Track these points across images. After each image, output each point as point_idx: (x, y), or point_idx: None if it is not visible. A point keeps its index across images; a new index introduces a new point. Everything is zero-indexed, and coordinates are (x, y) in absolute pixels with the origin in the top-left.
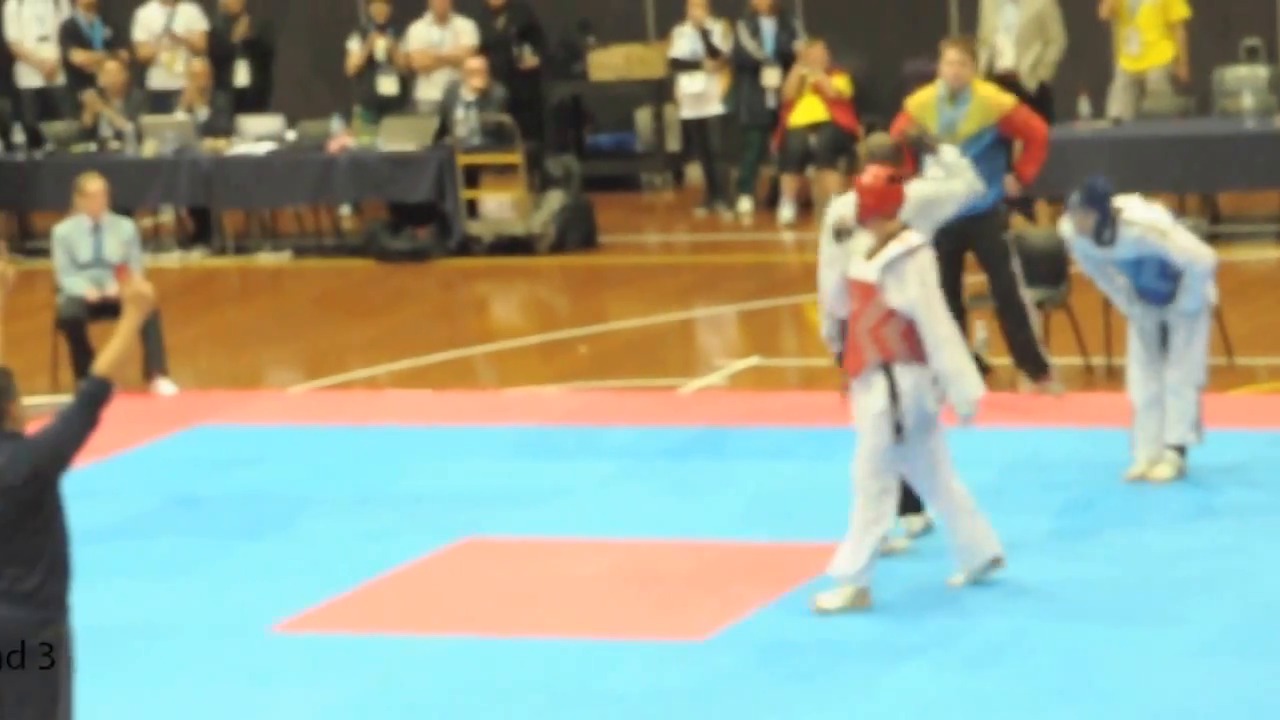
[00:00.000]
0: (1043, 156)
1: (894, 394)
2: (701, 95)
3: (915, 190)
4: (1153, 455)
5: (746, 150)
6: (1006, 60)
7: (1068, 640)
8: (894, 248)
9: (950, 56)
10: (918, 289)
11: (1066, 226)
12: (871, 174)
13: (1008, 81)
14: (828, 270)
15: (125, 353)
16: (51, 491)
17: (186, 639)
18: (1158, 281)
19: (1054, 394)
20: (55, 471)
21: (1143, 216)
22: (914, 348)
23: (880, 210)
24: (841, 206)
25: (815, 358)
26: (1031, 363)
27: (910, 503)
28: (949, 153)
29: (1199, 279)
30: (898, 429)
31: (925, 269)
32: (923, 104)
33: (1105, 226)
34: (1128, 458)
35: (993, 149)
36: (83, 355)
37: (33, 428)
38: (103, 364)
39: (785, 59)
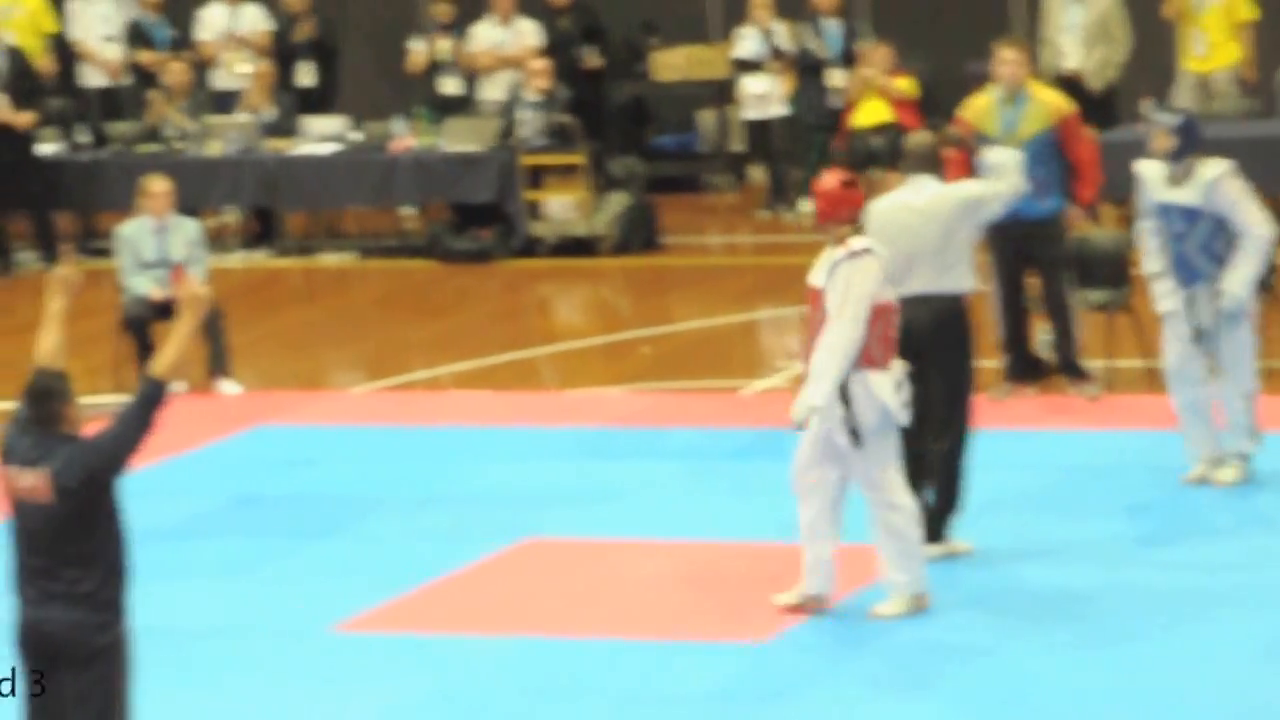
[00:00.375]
0: (1097, 176)
1: (846, 400)
2: (765, 96)
3: (960, 190)
4: (1208, 457)
5: (810, 152)
6: (1071, 62)
7: (1126, 646)
8: (838, 252)
9: (1006, 56)
10: (841, 289)
11: (1144, 163)
12: (827, 179)
13: (1072, 83)
14: None
15: (182, 355)
16: (108, 494)
17: (248, 639)
18: (1200, 255)
19: (1088, 397)
20: (112, 474)
21: (1228, 166)
22: (863, 353)
23: (834, 215)
24: (877, 210)
25: None
26: (1072, 370)
27: (932, 531)
28: (996, 153)
29: (1252, 251)
30: (854, 434)
31: (857, 273)
32: (980, 109)
33: (1183, 156)
34: (1187, 461)
35: (1053, 152)
36: (147, 355)
37: (91, 429)
38: (159, 366)
39: (849, 60)
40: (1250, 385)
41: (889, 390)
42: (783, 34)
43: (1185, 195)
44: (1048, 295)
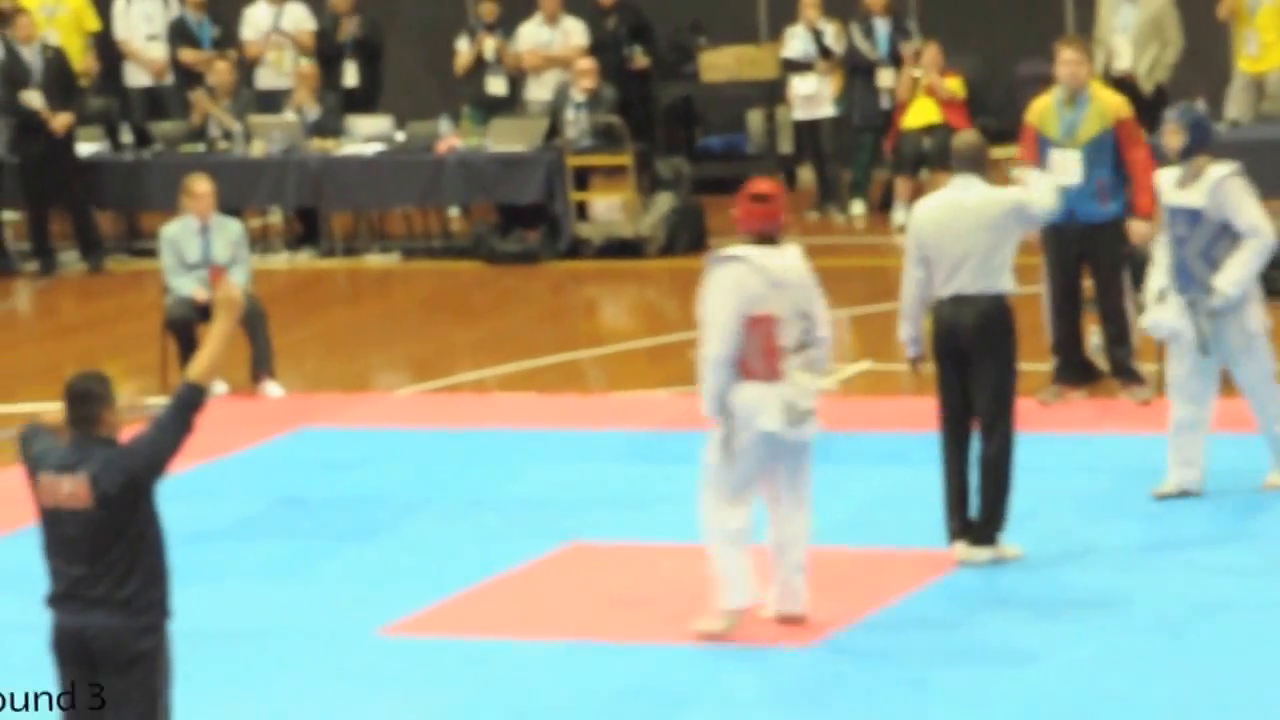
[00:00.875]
0: (1151, 182)
1: (725, 411)
2: (814, 97)
3: (1008, 196)
4: (1182, 479)
5: (859, 153)
6: (1123, 62)
7: (1176, 651)
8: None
9: (1066, 56)
10: (704, 307)
11: (1161, 172)
12: (745, 189)
13: (1124, 84)
14: (915, 271)
15: (218, 358)
16: (147, 498)
17: (292, 642)
18: (1199, 260)
19: (1139, 400)
20: (151, 479)
21: (1234, 167)
22: (741, 364)
23: (745, 226)
24: (925, 209)
25: (928, 362)
26: (1125, 374)
27: (982, 535)
28: (1047, 169)
29: (1249, 253)
30: (727, 444)
31: (710, 288)
32: (1041, 111)
33: (1192, 153)
34: (1246, 464)
35: (1113, 154)
36: (191, 356)
37: (128, 433)
38: (196, 370)
39: (899, 60)
40: (1277, 420)
41: (761, 404)
42: (832, 34)
43: (1190, 197)
44: (1104, 298)
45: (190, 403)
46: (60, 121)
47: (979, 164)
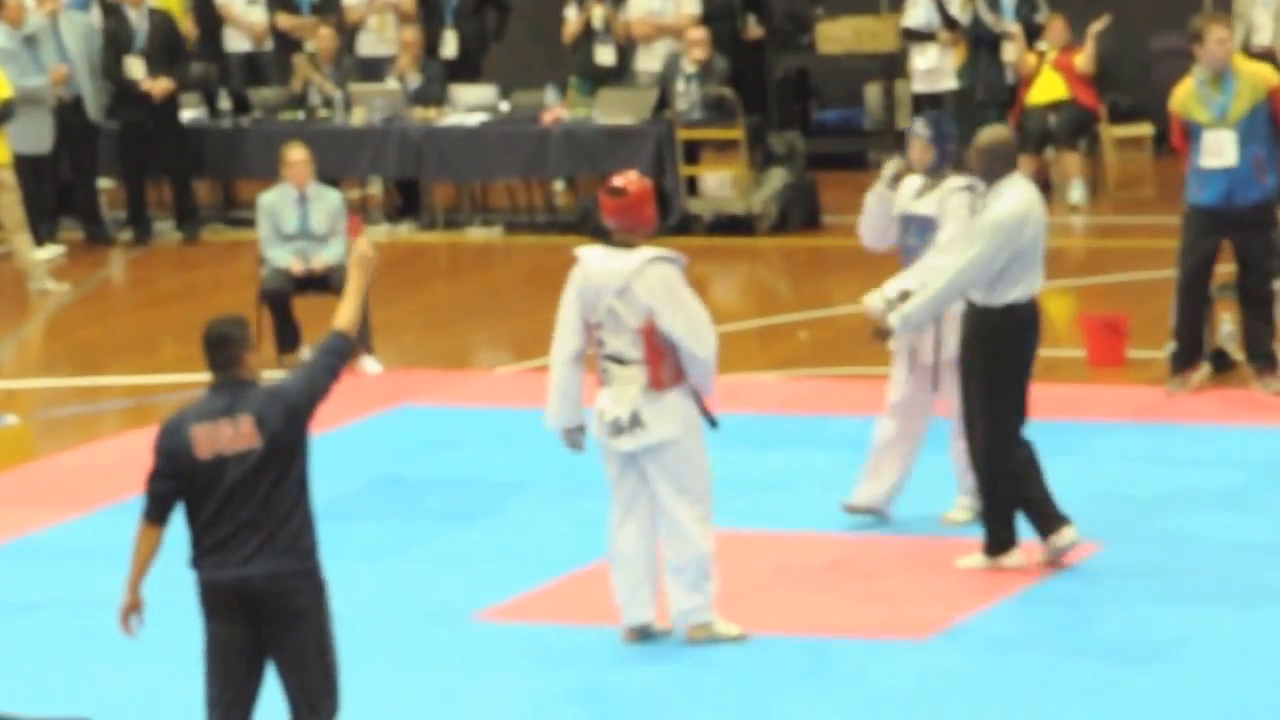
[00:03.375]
0: None
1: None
2: (935, 70)
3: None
4: (871, 495)
5: (981, 129)
6: (1263, 36)
7: None
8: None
9: (1219, 34)
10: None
11: (906, 180)
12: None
13: (1265, 59)
14: (1002, 257)
15: (359, 311)
16: (304, 437)
17: (388, 625)
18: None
19: (1273, 391)
20: (308, 413)
21: (968, 181)
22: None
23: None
24: (1033, 196)
25: (1050, 347)
26: (1262, 359)
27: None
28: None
29: (936, 277)
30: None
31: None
32: (1184, 97)
33: (940, 170)
34: None
35: (1270, 128)
36: (286, 329)
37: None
38: (342, 321)
39: (1027, 32)
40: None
41: (594, 409)
42: (957, 4)
43: (925, 205)
44: (1250, 283)
45: (340, 350)
46: (159, 87)
47: (1007, 161)
